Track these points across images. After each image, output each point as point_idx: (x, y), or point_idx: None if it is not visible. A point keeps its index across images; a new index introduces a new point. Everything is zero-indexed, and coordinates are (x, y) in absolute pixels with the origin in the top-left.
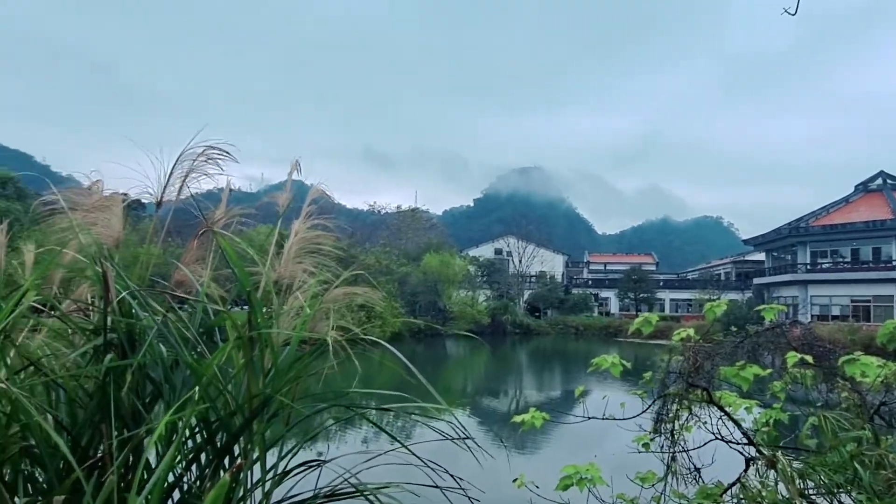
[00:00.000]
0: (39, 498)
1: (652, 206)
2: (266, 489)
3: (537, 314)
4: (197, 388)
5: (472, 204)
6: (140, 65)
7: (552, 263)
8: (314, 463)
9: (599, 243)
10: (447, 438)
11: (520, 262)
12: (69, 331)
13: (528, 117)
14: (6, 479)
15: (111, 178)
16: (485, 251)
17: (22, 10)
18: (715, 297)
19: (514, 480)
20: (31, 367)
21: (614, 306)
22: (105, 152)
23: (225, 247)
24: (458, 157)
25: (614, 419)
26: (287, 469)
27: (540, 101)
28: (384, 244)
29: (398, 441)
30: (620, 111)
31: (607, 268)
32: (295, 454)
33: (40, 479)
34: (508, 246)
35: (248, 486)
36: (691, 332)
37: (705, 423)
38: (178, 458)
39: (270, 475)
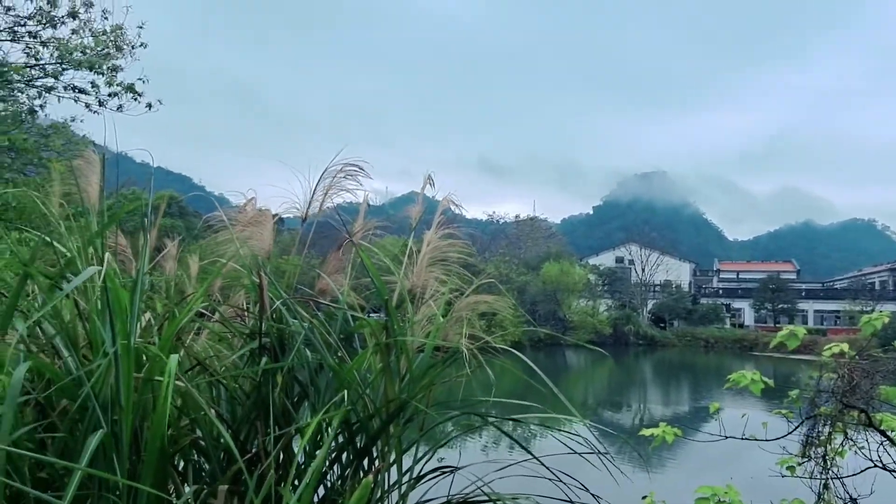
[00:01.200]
0: (205, 486)
1: (790, 208)
2: (402, 492)
3: (662, 325)
4: (346, 391)
5: (590, 211)
6: (277, 91)
7: (678, 272)
8: (447, 469)
9: (731, 250)
10: (579, 452)
11: (643, 270)
12: (228, 334)
13: (648, 121)
14: (178, 467)
15: (256, 196)
16: (605, 259)
17: (179, 44)
18: (868, 309)
19: (644, 498)
20: (197, 367)
21: (748, 318)
22: (251, 172)
23: (364, 259)
24: (575, 165)
25: (755, 440)
26: (421, 473)
27: (660, 103)
28: (503, 253)
29: (530, 453)
30: (748, 109)
31: (740, 276)
32: (429, 459)
33: (205, 469)
34: (630, 254)
35: (385, 487)
36: (845, 347)
37: (862, 448)
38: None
39: (406, 479)
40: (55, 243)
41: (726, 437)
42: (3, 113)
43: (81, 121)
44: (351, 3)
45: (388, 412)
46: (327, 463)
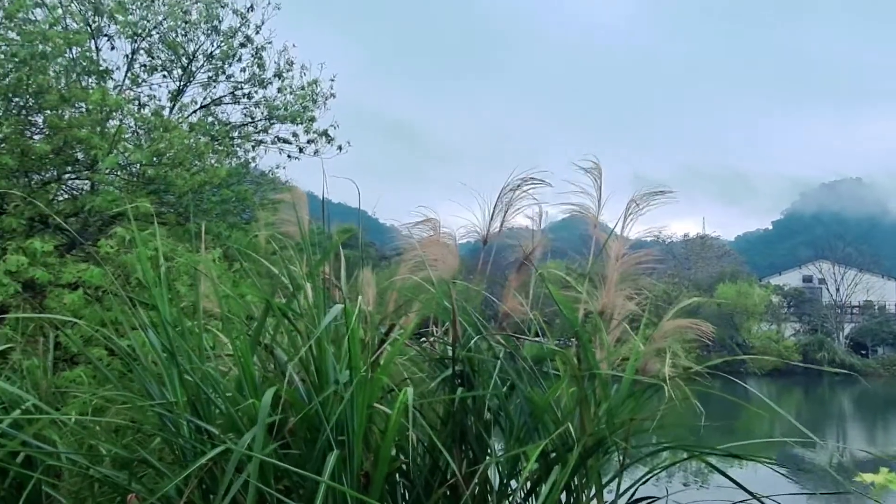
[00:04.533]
0: None
1: None
2: None
3: (864, 352)
4: (558, 422)
5: (769, 227)
6: (439, 127)
7: (881, 291)
8: (645, 500)
9: None
10: (816, 494)
11: (837, 290)
12: (421, 359)
13: (831, 125)
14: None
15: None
16: (790, 279)
17: (351, 89)
18: None
19: None
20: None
21: None
22: (417, 204)
23: (553, 293)
24: (744, 177)
25: None
26: None
27: (843, 103)
28: (672, 274)
29: (750, 493)
30: None
31: None
32: (633, 495)
33: (408, 494)
34: (821, 272)
35: None
36: None
37: None
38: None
39: None
40: (284, 277)
41: None
42: (230, 168)
43: (284, 167)
44: (505, 36)
45: (586, 446)
46: (522, 493)
